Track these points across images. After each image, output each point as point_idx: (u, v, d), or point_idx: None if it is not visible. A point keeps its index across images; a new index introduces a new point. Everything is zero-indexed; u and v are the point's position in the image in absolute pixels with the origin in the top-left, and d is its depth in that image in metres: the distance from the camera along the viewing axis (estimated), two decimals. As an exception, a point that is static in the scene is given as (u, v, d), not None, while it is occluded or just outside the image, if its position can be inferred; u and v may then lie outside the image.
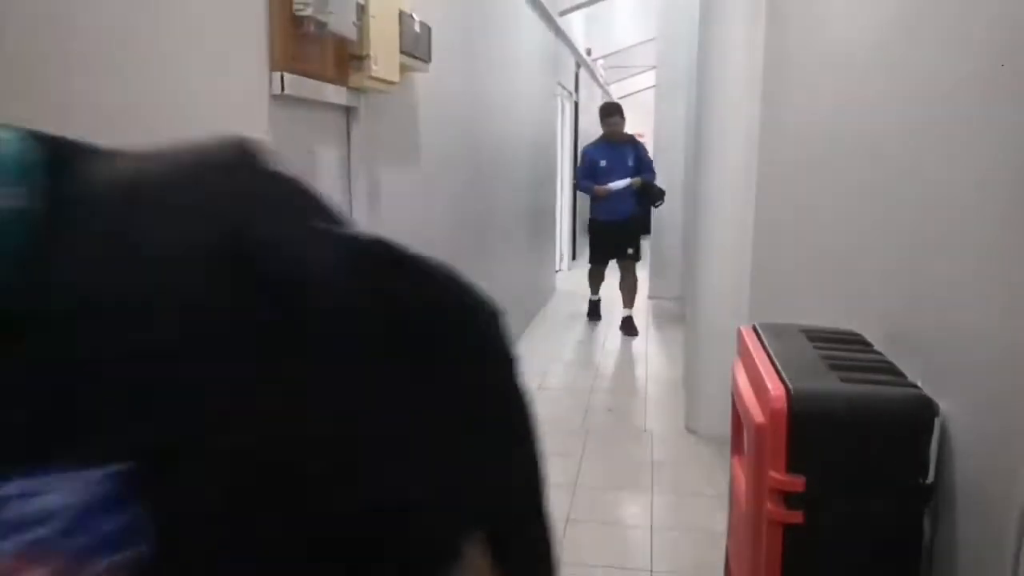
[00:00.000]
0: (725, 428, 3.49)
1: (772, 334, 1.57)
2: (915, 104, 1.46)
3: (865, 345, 1.53)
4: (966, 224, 1.18)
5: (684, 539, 2.67)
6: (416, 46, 2.43)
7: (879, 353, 1.45)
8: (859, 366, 1.35)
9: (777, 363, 1.36)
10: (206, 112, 1.51)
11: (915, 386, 1.25)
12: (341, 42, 2.02)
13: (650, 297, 7.19)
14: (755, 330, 1.63)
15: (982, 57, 1.17)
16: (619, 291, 5.88)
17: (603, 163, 5.70)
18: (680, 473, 3.24)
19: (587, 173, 5.79)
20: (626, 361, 5.04)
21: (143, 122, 1.31)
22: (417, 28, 2.44)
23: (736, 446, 1.62)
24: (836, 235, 2.03)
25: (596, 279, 6.14)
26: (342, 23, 1.91)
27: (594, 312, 6.24)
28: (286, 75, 1.76)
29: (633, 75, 12.78)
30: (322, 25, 1.84)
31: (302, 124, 1.94)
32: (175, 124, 1.41)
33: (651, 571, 2.48)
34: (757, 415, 1.27)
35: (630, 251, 5.76)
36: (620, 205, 5.69)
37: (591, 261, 6.04)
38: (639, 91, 13.95)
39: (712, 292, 3.58)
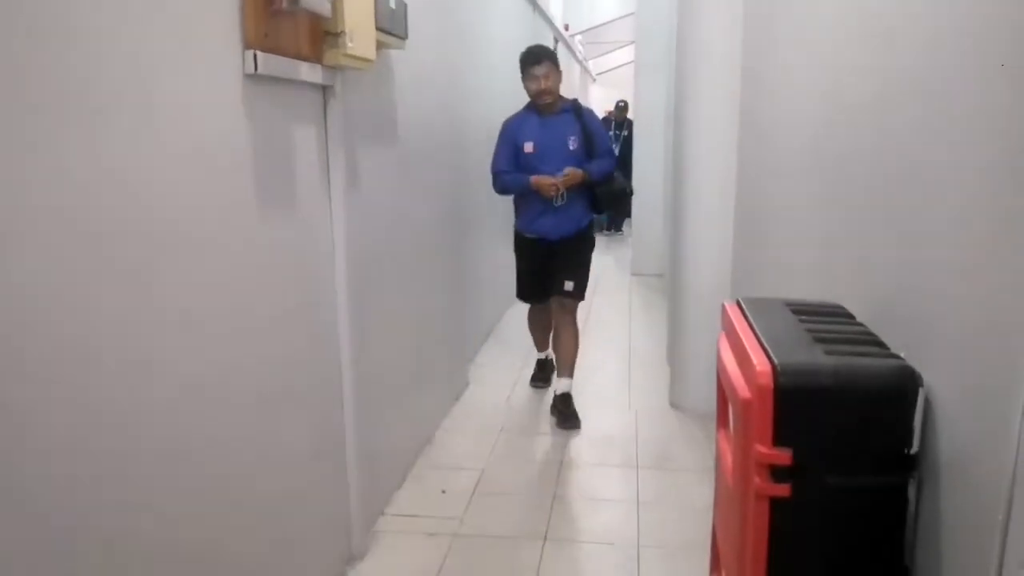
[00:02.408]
0: (709, 404, 3.51)
1: (756, 309, 1.57)
2: (900, 81, 1.45)
3: (848, 318, 1.53)
4: (950, 196, 1.18)
5: (670, 514, 2.69)
6: (392, 22, 2.39)
7: (862, 325, 1.45)
8: (843, 338, 1.35)
9: (762, 337, 1.36)
10: (175, 93, 1.47)
11: (899, 357, 1.25)
12: (315, 18, 1.97)
13: (633, 274, 7.21)
14: (739, 305, 1.63)
15: (966, 41, 1.16)
16: (552, 350, 3.87)
17: (529, 146, 3.50)
18: (665, 449, 3.26)
19: (507, 160, 3.54)
20: (610, 338, 5.05)
21: (101, 97, 1.27)
22: (392, 4, 2.39)
23: (722, 420, 1.62)
24: (819, 209, 2.03)
25: (538, 325, 3.94)
26: (315, -1, 1.86)
27: (541, 375, 4.04)
28: (259, 53, 1.72)
29: (611, 51, 12.70)
30: (295, 1, 1.80)
31: (277, 104, 1.90)
32: (142, 104, 1.37)
33: (638, 546, 2.49)
34: (743, 390, 1.27)
35: (568, 286, 3.55)
36: (563, 214, 3.52)
37: (520, 297, 3.91)
38: (618, 67, 13.89)
39: (695, 269, 3.59)
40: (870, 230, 1.59)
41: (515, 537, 2.57)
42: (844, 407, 1.19)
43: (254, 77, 1.73)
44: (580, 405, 3.64)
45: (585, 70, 12.41)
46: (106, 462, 1.27)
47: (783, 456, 1.18)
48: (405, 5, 2.51)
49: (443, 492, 2.86)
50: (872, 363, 1.22)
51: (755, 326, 1.44)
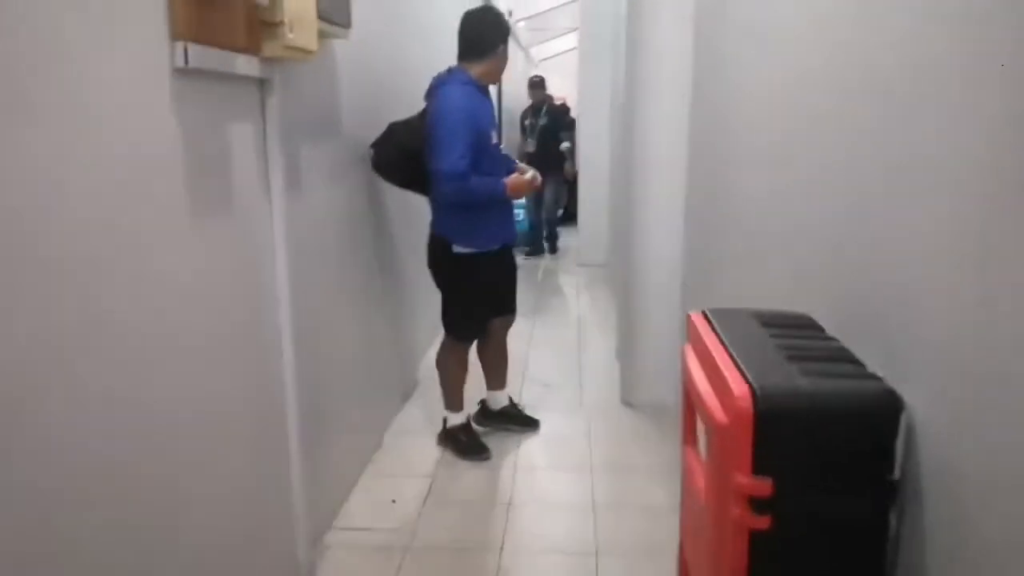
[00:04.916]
0: (660, 397, 3.52)
1: (724, 321, 1.51)
2: (883, 67, 1.40)
3: (818, 330, 1.48)
4: (933, 194, 1.12)
5: (626, 517, 2.65)
6: (335, 11, 2.25)
7: (834, 340, 1.40)
8: (817, 355, 1.30)
9: (734, 355, 1.30)
10: (97, 90, 1.32)
11: (877, 378, 1.20)
12: (252, 7, 1.82)
13: (579, 264, 7.18)
14: (706, 317, 1.57)
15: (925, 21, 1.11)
16: (484, 363, 3.31)
17: (493, 135, 2.96)
18: (619, 449, 3.22)
19: (471, 157, 2.75)
20: (560, 331, 5.00)
21: (19, 94, 1.13)
22: (334, -9, 2.25)
23: (688, 437, 1.56)
24: (782, 204, 1.98)
25: (464, 368, 3.18)
26: (251, -14, 1.72)
27: (473, 446, 3.14)
28: (190, 45, 1.57)
29: (553, 37, 12.61)
30: (229, -11, 1.65)
31: (210, 100, 1.75)
32: (61, 105, 1.22)
33: (596, 553, 2.44)
34: (719, 414, 1.20)
35: (515, 301, 3.26)
36: (510, 217, 3.09)
37: (460, 335, 3.13)
38: (560, 53, 13.82)
39: (645, 266, 3.55)
40: (840, 230, 1.53)
41: (470, 549, 2.48)
42: (825, 434, 1.13)
43: (184, 71, 1.59)
44: (530, 402, 3.58)
45: (528, 57, 12.31)
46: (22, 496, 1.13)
47: (764, 486, 1.12)
48: (348, -8, 2.37)
49: (393, 502, 2.75)
50: (852, 386, 1.17)
51: (725, 341, 1.38)
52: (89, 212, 1.30)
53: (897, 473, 1.15)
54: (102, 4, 1.34)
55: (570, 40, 11.42)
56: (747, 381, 1.17)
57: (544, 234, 7.56)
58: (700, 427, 1.49)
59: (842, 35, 1.55)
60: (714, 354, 1.34)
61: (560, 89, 7.84)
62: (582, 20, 7.20)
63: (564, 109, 7.62)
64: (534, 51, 12.92)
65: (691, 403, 1.53)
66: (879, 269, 1.33)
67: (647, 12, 3.39)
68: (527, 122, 7.35)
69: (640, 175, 3.52)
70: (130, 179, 1.42)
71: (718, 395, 1.25)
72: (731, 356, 1.30)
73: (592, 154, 6.95)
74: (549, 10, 10.32)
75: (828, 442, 1.14)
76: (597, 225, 7.08)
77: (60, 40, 1.23)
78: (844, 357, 1.31)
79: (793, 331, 1.45)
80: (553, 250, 7.66)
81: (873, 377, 1.20)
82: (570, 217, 7.98)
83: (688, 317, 1.60)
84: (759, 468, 1.14)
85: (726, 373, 1.23)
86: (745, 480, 1.13)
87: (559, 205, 7.60)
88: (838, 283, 1.55)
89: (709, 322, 1.54)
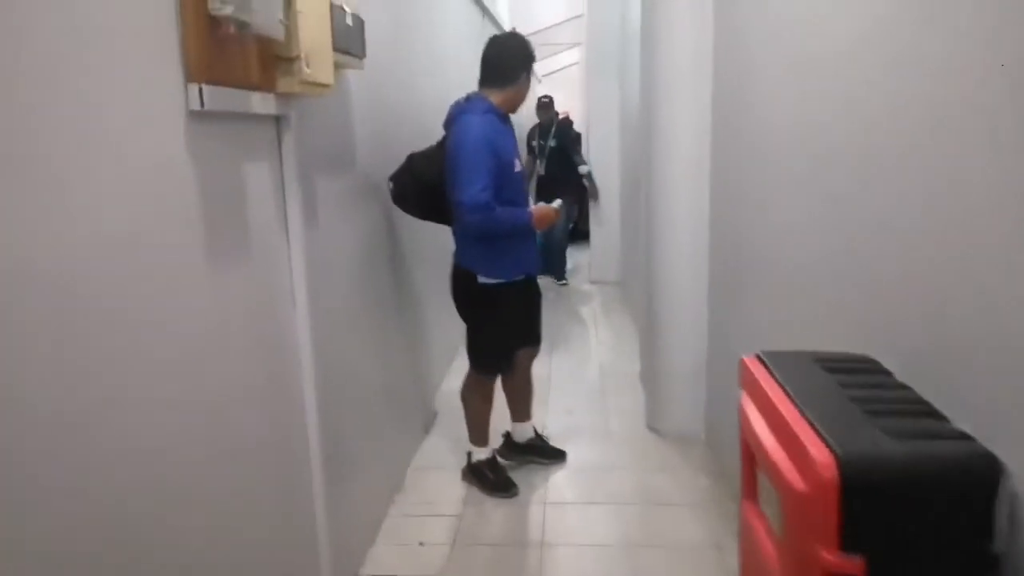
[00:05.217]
0: (689, 426, 3.41)
1: (783, 366, 1.40)
2: (914, 86, 1.30)
3: (886, 375, 1.38)
4: (1009, 211, 1.02)
5: (664, 557, 2.53)
6: (350, 42, 2.16)
7: (908, 388, 1.30)
8: (896, 409, 1.19)
9: (805, 410, 1.19)
10: (110, 139, 1.23)
11: (969, 437, 1.10)
12: (266, 43, 1.74)
13: (591, 282, 7.08)
14: (761, 360, 1.47)
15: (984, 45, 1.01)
16: (508, 395, 3.20)
17: (517, 164, 2.84)
18: (649, 481, 3.09)
19: (493, 187, 2.62)
20: (578, 353, 4.89)
21: (29, 144, 1.04)
22: (349, 21, 2.16)
23: (748, 491, 1.46)
24: (821, 227, 1.88)
25: (489, 402, 3.08)
26: (267, 21, 1.63)
27: (500, 483, 3.02)
28: (205, 87, 1.48)
29: (556, 53, 12.57)
30: (244, 25, 1.56)
31: (226, 140, 1.66)
32: (73, 154, 1.13)
33: (635, 599, 2.33)
34: (796, 482, 1.10)
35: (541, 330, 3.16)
36: (533, 245, 2.98)
37: (486, 368, 3.02)
38: (562, 68, 13.78)
39: (670, 288, 3.44)
40: (906, 255, 1.43)
41: (503, 596, 2.37)
42: (918, 504, 1.03)
43: (200, 114, 1.50)
44: (555, 432, 3.47)
45: (533, 73, 12.25)
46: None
47: (854, 565, 1.02)
48: (362, 21, 2.29)
49: (421, 544, 2.64)
50: (946, 449, 1.06)
51: (790, 391, 1.28)
52: (102, 263, 1.21)
53: (999, 547, 1.04)
54: (114, 49, 1.25)
55: (572, 55, 11.36)
56: (827, 444, 1.07)
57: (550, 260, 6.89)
58: (763, 483, 1.39)
59: (898, 43, 1.45)
60: (780, 408, 1.24)
61: (562, 104, 7.58)
62: (588, 34, 7.13)
63: (568, 123, 7.37)
64: (537, 67, 12.87)
65: (750, 455, 1.43)
66: (958, 303, 1.23)
67: (661, 20, 3.29)
68: (535, 143, 7.05)
69: (661, 191, 3.40)
70: (143, 228, 1.33)
71: (792, 458, 1.14)
72: (801, 411, 1.20)
73: (602, 169, 6.86)
74: (551, 26, 10.27)
75: (922, 514, 1.03)
76: (609, 241, 6.98)
77: (72, 88, 1.14)
78: (925, 410, 1.21)
79: (861, 377, 1.35)
80: (560, 277, 7.00)
81: (964, 437, 1.10)
82: (581, 235, 7.68)
83: (742, 362, 1.50)
84: (846, 544, 1.03)
85: (801, 434, 1.12)
86: (833, 558, 1.03)
87: (568, 230, 7.23)
88: (904, 318, 1.44)
89: (766, 367, 1.44)
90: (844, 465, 1.03)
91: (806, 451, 1.07)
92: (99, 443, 1.19)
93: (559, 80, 13.36)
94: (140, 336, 1.31)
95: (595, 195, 6.92)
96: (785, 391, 1.30)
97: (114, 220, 1.24)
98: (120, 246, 1.26)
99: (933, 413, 1.19)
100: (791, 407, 1.23)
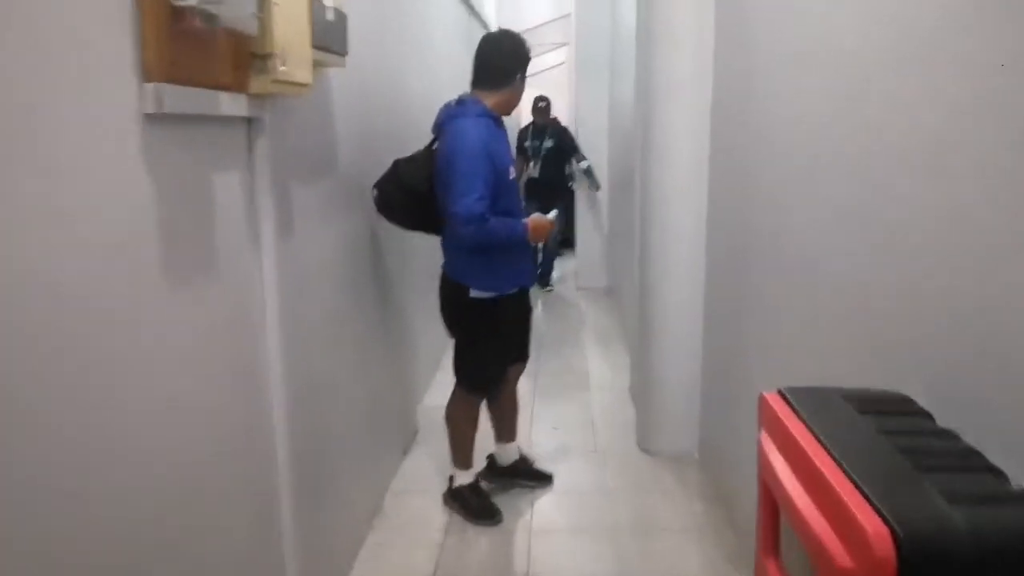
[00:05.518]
0: (682, 444, 3.27)
1: (810, 406, 1.26)
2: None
3: (926, 418, 1.24)
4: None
5: (661, 591, 2.39)
6: (331, 38, 2.00)
7: (953, 434, 1.16)
8: (948, 464, 1.05)
9: (845, 464, 1.05)
10: (53, 146, 1.06)
11: (1034, 499, 0.96)
12: (237, 38, 1.57)
13: (578, 288, 6.94)
14: (784, 398, 1.32)
15: None
16: (493, 414, 3.04)
17: (511, 171, 2.68)
18: (641, 506, 2.95)
19: (488, 196, 2.48)
20: (564, 364, 4.74)
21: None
22: (330, 16, 2.00)
23: (767, 544, 1.31)
24: (840, 243, 1.74)
25: (474, 423, 2.91)
26: (237, 14, 1.47)
27: (484, 509, 2.86)
28: (164, 87, 1.31)
29: (543, 52, 12.44)
30: (211, 18, 1.40)
31: (188, 146, 1.49)
32: (8, 165, 0.96)
33: (631, 638, 2.18)
34: (840, 555, 0.95)
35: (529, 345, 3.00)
36: (527, 257, 2.82)
37: (475, 387, 2.86)
38: (549, 68, 13.65)
39: (664, 301, 3.30)
40: (945, 278, 1.29)
41: (489, 636, 2.22)
42: (987, 583, 0.89)
43: (157, 117, 1.33)
44: (541, 452, 3.32)
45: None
46: None
47: (914, 658, 0.87)
48: (345, 16, 2.12)
49: (400, 577, 2.48)
50: (1014, 517, 0.92)
51: (823, 438, 1.14)
52: (52, 287, 1.05)
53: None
54: (51, 42, 1.08)
55: (559, 55, 11.23)
56: (879, 512, 0.92)
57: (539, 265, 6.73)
58: (786, 536, 1.25)
59: (911, 46, 1.31)
60: (815, 460, 1.09)
61: (556, 104, 7.44)
62: (576, 35, 6.99)
63: (563, 127, 7.15)
64: (523, 67, 12.73)
65: (771, 503, 1.28)
66: (1008, 336, 1.09)
67: (661, 20, 3.14)
68: (527, 144, 6.77)
69: (656, 195, 3.23)
70: (97, 244, 1.17)
71: (834, 526, 0.99)
72: (840, 464, 1.05)
73: (593, 173, 6.72)
74: (539, 26, 10.13)
75: (991, 594, 0.89)
76: (596, 248, 6.85)
77: (6, 89, 0.97)
78: (978, 464, 1.07)
79: (899, 421, 1.20)
80: (545, 284, 6.79)
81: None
82: (566, 242, 7.44)
83: (762, 398, 1.35)
84: (903, 629, 0.89)
85: (845, 496, 0.97)
86: (889, 649, 0.88)
87: (560, 236, 7.05)
88: (941, 351, 1.31)
89: (791, 406, 1.29)
90: (903, 541, 0.88)
91: (854, 519, 0.93)
92: (58, 465, 1.02)
93: (544, 80, 13.24)
94: (95, 361, 1.14)
95: (598, 186, 6.74)
96: (817, 437, 1.15)
97: (61, 238, 1.08)
98: (68, 268, 1.09)
99: (988, 468, 1.05)
100: (827, 459, 1.09)
